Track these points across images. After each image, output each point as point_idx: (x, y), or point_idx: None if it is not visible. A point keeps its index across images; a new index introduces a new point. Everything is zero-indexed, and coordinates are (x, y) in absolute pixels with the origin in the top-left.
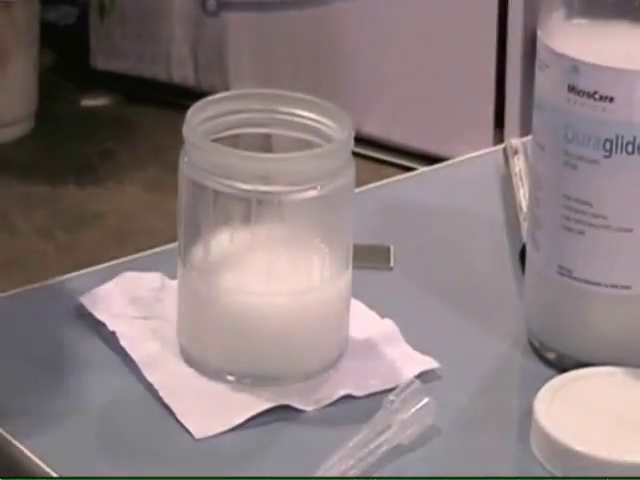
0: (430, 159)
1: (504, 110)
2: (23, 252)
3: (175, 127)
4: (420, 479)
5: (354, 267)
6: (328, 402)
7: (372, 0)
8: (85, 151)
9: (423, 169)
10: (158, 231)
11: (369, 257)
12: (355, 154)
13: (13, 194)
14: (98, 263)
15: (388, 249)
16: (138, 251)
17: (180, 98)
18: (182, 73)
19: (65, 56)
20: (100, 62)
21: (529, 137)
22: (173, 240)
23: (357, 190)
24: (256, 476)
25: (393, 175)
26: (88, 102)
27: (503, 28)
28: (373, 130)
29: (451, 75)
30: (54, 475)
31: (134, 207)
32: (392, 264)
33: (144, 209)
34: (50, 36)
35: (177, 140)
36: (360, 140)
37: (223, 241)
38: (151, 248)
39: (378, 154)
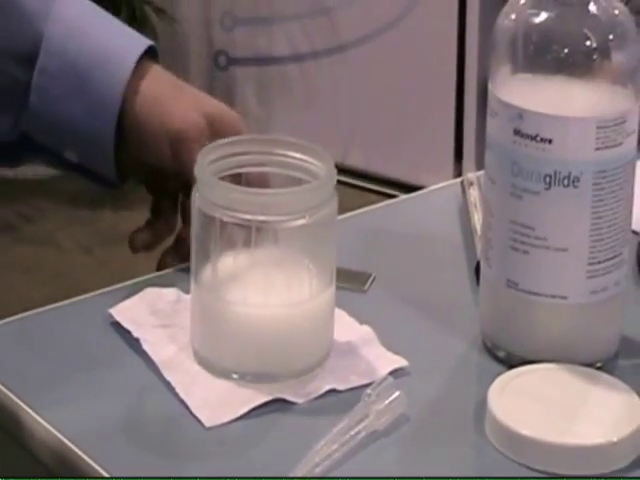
0: (403, 186)
1: (462, 147)
2: (68, 265)
3: None
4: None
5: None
6: (316, 395)
7: (352, 57)
8: None
9: (395, 199)
10: None
11: (349, 281)
12: (340, 182)
13: (60, 217)
14: (129, 275)
15: (368, 275)
16: None
17: None
18: None
19: None
20: None
21: (482, 171)
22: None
23: (340, 217)
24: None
25: (372, 200)
26: None
27: (461, 81)
28: (355, 162)
29: (418, 118)
30: (86, 458)
31: None
32: (366, 288)
33: None
34: None
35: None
36: (344, 170)
37: (228, 262)
38: None
39: (359, 182)
